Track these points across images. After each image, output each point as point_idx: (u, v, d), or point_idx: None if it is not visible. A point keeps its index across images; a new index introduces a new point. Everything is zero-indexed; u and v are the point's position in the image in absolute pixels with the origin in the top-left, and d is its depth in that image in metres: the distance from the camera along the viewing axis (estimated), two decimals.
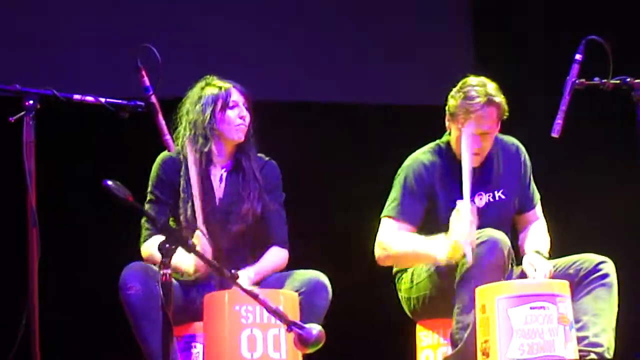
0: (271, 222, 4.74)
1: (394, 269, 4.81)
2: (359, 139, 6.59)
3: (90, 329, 4.90)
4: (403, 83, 6.89)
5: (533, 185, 4.87)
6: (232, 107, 4.67)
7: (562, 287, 4.23)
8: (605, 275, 4.48)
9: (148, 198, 4.67)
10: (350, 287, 4.85)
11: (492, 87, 4.61)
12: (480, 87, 4.59)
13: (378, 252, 4.64)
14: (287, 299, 4.20)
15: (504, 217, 4.74)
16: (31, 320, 3.52)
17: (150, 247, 4.53)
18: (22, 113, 3.69)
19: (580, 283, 4.46)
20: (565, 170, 6.81)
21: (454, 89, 4.66)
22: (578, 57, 4.15)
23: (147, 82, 3.95)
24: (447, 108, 4.66)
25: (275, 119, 6.67)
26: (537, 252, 4.62)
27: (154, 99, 3.95)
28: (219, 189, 4.69)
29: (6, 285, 4.78)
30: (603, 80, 4.14)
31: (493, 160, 4.75)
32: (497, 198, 4.72)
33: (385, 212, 4.70)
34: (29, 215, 3.59)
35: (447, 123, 4.70)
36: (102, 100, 3.91)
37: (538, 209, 4.87)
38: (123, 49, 4.09)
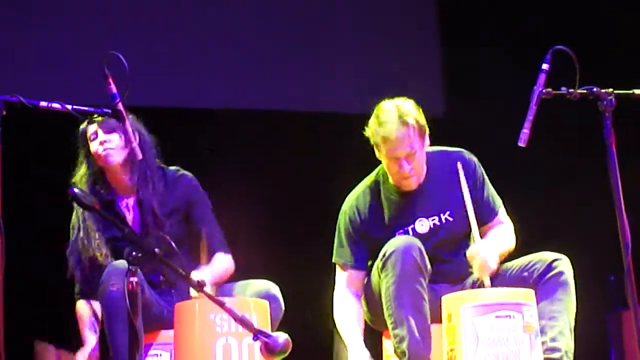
0: (205, 233, 4.69)
1: None
2: (322, 146, 6.58)
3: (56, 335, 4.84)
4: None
5: (491, 193, 4.72)
6: (92, 140, 4.63)
7: (528, 295, 4.19)
8: (560, 274, 4.40)
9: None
10: (320, 294, 4.81)
11: (406, 107, 4.50)
12: (391, 111, 4.48)
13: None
14: (257, 307, 4.16)
15: (456, 237, 4.64)
16: None
17: (79, 310, 4.65)
18: None
19: (536, 285, 4.37)
20: (540, 176, 6.89)
21: (371, 118, 4.56)
22: (545, 66, 4.11)
23: (114, 90, 3.93)
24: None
25: (243, 127, 6.71)
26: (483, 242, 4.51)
27: (120, 106, 3.93)
28: (131, 219, 4.68)
29: None
30: (570, 90, 4.12)
31: (431, 182, 4.64)
32: (443, 221, 4.61)
33: (334, 257, 4.72)
34: None
35: None
36: (69, 107, 3.87)
37: (501, 214, 4.73)
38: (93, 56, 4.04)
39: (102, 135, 4.59)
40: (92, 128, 4.61)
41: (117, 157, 4.60)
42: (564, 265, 4.41)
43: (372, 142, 4.53)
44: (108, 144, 4.57)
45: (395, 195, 4.61)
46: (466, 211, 4.59)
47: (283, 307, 4.49)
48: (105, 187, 4.66)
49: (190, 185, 4.74)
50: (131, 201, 4.68)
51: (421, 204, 4.61)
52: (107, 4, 7.00)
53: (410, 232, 4.57)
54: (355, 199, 4.69)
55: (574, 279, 4.44)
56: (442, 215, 4.61)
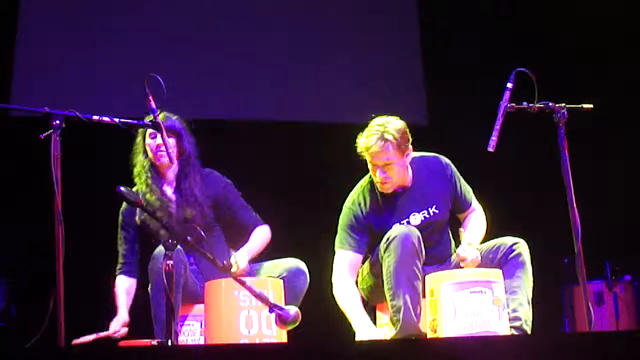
0: (242, 216, 4.85)
1: None
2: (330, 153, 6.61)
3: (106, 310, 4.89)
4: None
5: (465, 189, 4.84)
6: (152, 137, 4.75)
7: (497, 274, 4.31)
8: (519, 255, 4.50)
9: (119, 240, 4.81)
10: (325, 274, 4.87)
11: (390, 127, 4.58)
12: (375, 127, 4.60)
13: (333, 286, 4.72)
14: (273, 284, 4.28)
15: (442, 225, 4.77)
16: (58, 301, 3.55)
17: (118, 284, 4.71)
18: (50, 131, 3.73)
19: (500, 264, 4.49)
20: (508, 176, 6.95)
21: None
22: (509, 85, 4.22)
23: (154, 105, 4.00)
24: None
25: (254, 136, 6.75)
26: (470, 243, 4.61)
27: (159, 119, 4.00)
28: (171, 204, 4.76)
29: (38, 274, 4.80)
30: (530, 105, 4.20)
31: (417, 183, 4.74)
32: (431, 214, 4.72)
33: (337, 244, 4.74)
34: (56, 215, 3.62)
35: None
36: (117, 120, 3.95)
37: (474, 203, 4.87)
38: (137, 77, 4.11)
39: (159, 139, 4.70)
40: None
41: (165, 159, 4.73)
42: (521, 247, 4.54)
43: (358, 150, 4.66)
44: (168, 146, 4.65)
45: (389, 194, 4.70)
46: (451, 202, 4.76)
47: (308, 280, 4.61)
48: (153, 178, 4.78)
49: (219, 181, 4.87)
50: (172, 192, 4.79)
51: (412, 201, 4.73)
52: (144, 34, 7.06)
53: (405, 224, 4.66)
54: (357, 197, 4.79)
55: (532, 258, 4.56)
56: (429, 209, 4.73)
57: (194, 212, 4.69)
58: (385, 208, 4.71)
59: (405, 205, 4.71)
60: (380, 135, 4.56)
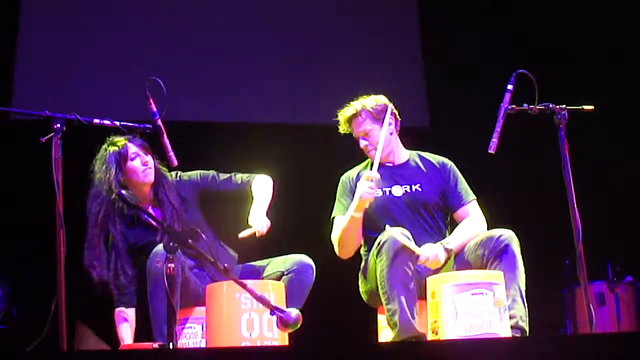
0: (232, 185, 4.79)
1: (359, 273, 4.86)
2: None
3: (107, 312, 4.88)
4: None
5: (462, 186, 4.85)
6: (133, 159, 4.63)
7: (497, 276, 4.28)
8: (506, 246, 4.44)
9: None
10: (333, 278, 4.86)
11: (367, 101, 4.86)
12: (352, 103, 4.87)
13: (334, 247, 4.79)
14: (274, 287, 4.27)
15: (420, 205, 4.77)
16: (59, 303, 3.55)
17: (116, 317, 4.60)
18: (51, 134, 3.73)
19: (490, 261, 4.45)
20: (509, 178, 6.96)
21: None
22: (510, 87, 4.22)
23: (154, 108, 4.00)
24: None
25: (260, 138, 6.74)
26: (442, 243, 4.59)
27: (159, 122, 4.00)
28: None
29: (39, 275, 4.79)
30: (530, 106, 4.20)
31: (411, 165, 4.89)
32: (413, 190, 4.79)
33: (333, 214, 4.88)
34: (57, 218, 3.62)
35: None
36: (117, 123, 3.95)
37: (471, 206, 4.83)
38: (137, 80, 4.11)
39: (145, 157, 4.65)
40: (134, 149, 4.64)
41: (152, 175, 4.67)
42: (509, 238, 4.48)
43: (339, 125, 4.93)
44: (150, 162, 4.62)
45: (381, 166, 4.83)
46: (439, 191, 4.83)
47: (314, 274, 4.64)
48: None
49: (191, 178, 4.82)
50: (150, 208, 4.72)
51: (399, 175, 4.88)
52: (142, 37, 7.06)
53: (387, 192, 4.80)
54: (350, 171, 4.99)
55: (533, 260, 4.55)
56: (412, 185, 4.83)
57: (174, 221, 4.63)
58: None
59: (391, 177, 4.86)
60: (352, 109, 4.87)
